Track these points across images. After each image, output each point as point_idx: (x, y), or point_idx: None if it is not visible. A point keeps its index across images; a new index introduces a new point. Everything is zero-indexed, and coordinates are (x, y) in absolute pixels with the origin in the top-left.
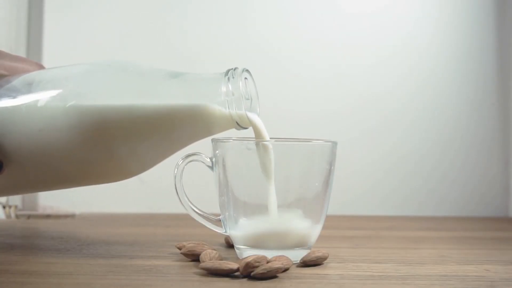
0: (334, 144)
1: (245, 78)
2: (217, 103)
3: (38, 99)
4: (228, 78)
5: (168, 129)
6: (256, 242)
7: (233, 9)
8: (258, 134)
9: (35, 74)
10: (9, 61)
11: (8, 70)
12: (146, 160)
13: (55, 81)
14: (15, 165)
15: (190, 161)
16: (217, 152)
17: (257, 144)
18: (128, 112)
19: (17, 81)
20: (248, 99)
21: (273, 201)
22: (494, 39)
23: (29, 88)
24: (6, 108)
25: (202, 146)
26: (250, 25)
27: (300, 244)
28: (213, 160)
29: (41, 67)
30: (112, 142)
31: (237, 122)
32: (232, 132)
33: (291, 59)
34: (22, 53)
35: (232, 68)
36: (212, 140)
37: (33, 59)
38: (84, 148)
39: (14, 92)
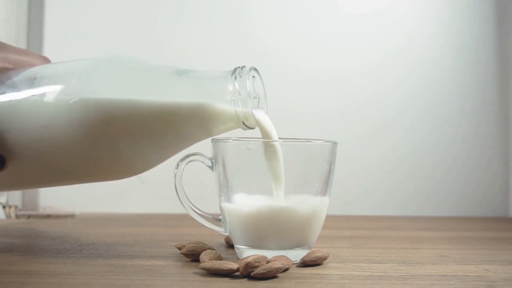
0: (334, 143)
1: (253, 76)
2: (224, 102)
3: (41, 94)
4: (235, 77)
5: (173, 127)
6: (254, 222)
7: (233, 10)
8: (265, 135)
9: (38, 69)
10: (13, 54)
11: (12, 63)
12: (150, 158)
13: (58, 77)
14: (18, 160)
15: (190, 161)
16: (217, 152)
17: (263, 145)
18: (133, 109)
19: (19, 76)
20: (255, 98)
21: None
22: (494, 39)
23: (32, 83)
24: (9, 104)
25: (202, 146)
26: (250, 26)
27: (300, 244)
28: (213, 160)
29: (45, 60)
30: (117, 139)
31: (243, 122)
32: (233, 132)
33: (292, 60)
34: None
35: (239, 67)
36: (212, 140)
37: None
38: (88, 145)
39: (17, 88)
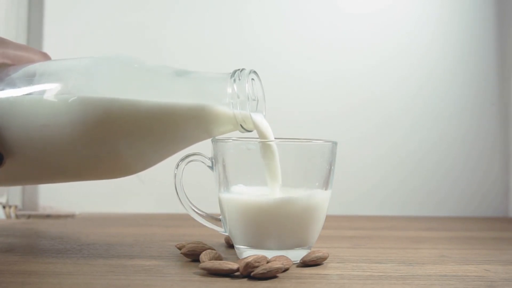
0: (334, 144)
1: (252, 79)
2: (223, 105)
3: (40, 92)
4: (234, 80)
5: (172, 127)
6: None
7: (232, 10)
8: (262, 137)
9: (37, 66)
10: (13, 49)
11: (12, 59)
12: (149, 157)
13: (57, 74)
14: (16, 158)
15: (190, 161)
16: (217, 151)
17: (260, 145)
18: (132, 108)
19: (19, 73)
20: (254, 100)
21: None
22: (494, 39)
23: (31, 80)
24: (7, 101)
25: (202, 146)
26: (249, 26)
27: (300, 243)
28: (213, 160)
29: (45, 56)
30: (116, 138)
31: (241, 125)
32: (233, 132)
33: (292, 60)
34: None
35: (239, 69)
36: (212, 140)
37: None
38: (87, 143)
39: (15, 85)
